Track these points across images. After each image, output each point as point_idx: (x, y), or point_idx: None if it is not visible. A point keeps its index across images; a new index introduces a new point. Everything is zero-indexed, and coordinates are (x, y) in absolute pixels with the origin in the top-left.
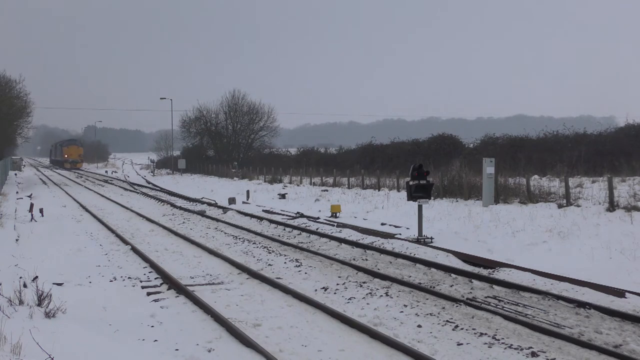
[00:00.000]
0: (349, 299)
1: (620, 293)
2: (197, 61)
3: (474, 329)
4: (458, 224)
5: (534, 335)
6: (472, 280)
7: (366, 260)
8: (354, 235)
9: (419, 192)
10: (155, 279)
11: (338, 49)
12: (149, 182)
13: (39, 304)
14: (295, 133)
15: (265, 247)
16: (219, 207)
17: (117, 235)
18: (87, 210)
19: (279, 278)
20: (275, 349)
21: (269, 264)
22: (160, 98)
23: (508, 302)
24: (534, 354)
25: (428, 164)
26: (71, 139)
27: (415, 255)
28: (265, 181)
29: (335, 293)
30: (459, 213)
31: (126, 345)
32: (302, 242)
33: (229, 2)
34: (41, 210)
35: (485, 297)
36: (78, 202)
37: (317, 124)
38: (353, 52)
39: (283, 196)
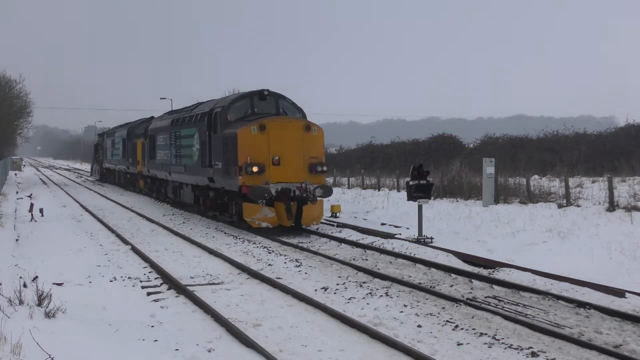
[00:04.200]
0: (349, 299)
1: (620, 293)
2: (197, 61)
3: (474, 329)
4: (458, 224)
5: (534, 335)
6: (472, 280)
7: (366, 260)
8: (354, 235)
9: (419, 192)
10: (155, 279)
11: (338, 49)
12: None
13: (39, 304)
14: None
15: (265, 247)
16: None
17: (117, 235)
18: (87, 210)
19: (279, 278)
20: (275, 349)
21: (269, 264)
22: (160, 98)
23: (508, 302)
24: (534, 354)
25: (428, 164)
26: (265, 91)
27: (415, 255)
28: None
29: (335, 293)
30: (459, 213)
31: (126, 345)
32: (302, 242)
33: (228, 1)
34: (41, 210)
35: (485, 297)
36: (78, 202)
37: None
38: (353, 52)
39: None
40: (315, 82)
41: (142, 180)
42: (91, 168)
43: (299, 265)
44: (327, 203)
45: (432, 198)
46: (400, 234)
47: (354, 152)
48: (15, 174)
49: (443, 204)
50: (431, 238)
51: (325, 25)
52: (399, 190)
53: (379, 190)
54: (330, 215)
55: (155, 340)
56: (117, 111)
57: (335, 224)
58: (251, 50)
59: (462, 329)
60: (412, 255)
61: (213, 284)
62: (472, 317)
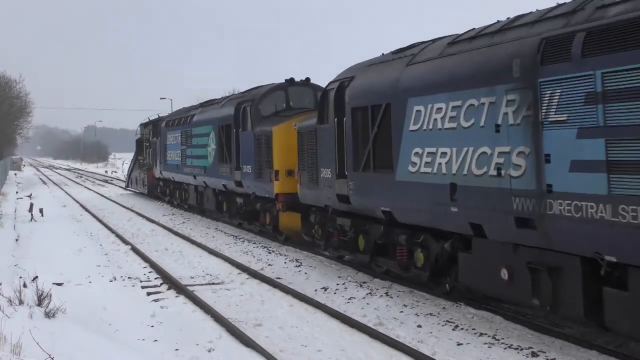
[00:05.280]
0: (349, 299)
1: None
2: (197, 61)
3: (474, 329)
4: None
5: (534, 335)
6: None
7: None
8: None
9: None
10: (156, 278)
11: (339, 46)
12: None
13: (39, 304)
14: None
15: (265, 247)
16: None
17: (117, 235)
18: (87, 210)
19: (279, 278)
20: (275, 348)
21: (269, 264)
22: (160, 98)
23: (508, 302)
24: (534, 354)
25: None
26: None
27: None
28: None
29: (335, 293)
30: None
31: (126, 345)
32: (301, 242)
33: (228, 1)
34: (41, 210)
35: (485, 297)
36: (78, 202)
37: None
38: (353, 50)
39: None
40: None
41: (287, 217)
42: (128, 175)
43: (299, 265)
44: None
45: None
46: None
47: None
48: (15, 174)
49: None
50: None
51: (326, 21)
52: None
53: None
54: None
55: (155, 340)
56: (117, 111)
57: None
58: (252, 49)
59: (462, 329)
60: None
61: (213, 284)
62: (472, 317)
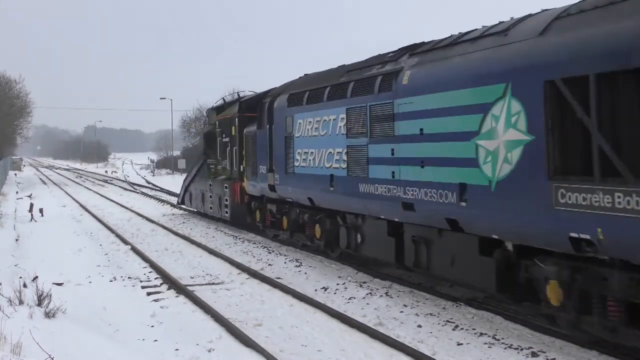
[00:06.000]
0: (349, 298)
1: None
2: (197, 61)
3: (474, 329)
4: None
5: (534, 335)
6: None
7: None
8: None
9: None
10: (155, 278)
11: (340, 44)
12: (148, 182)
13: (39, 304)
14: None
15: (265, 247)
16: None
17: (117, 235)
18: (87, 210)
19: (279, 278)
20: (275, 348)
21: (269, 264)
22: (160, 98)
23: (508, 302)
24: (534, 354)
25: None
26: None
27: None
28: None
29: (335, 293)
30: None
31: (126, 345)
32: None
33: (228, 0)
34: (41, 210)
35: (485, 297)
36: (78, 202)
37: None
38: (354, 49)
39: None
40: None
41: None
42: (184, 188)
43: (299, 265)
44: None
45: None
46: None
47: None
48: (15, 174)
49: None
50: None
51: (327, 20)
52: None
53: None
54: None
55: (155, 340)
56: (117, 111)
57: None
58: (253, 48)
59: (462, 329)
60: None
61: (213, 284)
62: (472, 317)
